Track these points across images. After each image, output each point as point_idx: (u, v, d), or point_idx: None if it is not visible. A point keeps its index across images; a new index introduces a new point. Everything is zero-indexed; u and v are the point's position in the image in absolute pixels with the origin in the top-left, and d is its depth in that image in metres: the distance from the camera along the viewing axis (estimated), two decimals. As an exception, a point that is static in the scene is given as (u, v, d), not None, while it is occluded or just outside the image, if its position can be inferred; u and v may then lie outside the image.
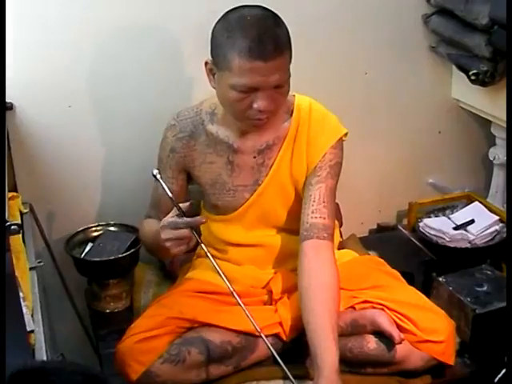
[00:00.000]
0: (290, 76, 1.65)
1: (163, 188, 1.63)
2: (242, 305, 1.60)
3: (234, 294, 1.60)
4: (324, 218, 1.74)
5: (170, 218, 1.63)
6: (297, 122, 1.80)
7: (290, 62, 1.65)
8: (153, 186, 1.92)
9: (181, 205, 1.63)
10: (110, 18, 2.05)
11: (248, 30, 1.57)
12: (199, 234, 1.67)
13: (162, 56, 2.15)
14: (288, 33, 1.64)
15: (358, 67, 2.39)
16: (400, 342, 1.72)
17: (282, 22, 1.64)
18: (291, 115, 1.80)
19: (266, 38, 1.57)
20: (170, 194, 1.62)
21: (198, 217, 1.63)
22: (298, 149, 1.81)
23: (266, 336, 1.70)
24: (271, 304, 1.86)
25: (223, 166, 1.83)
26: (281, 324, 1.78)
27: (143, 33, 2.11)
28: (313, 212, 1.74)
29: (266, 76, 1.58)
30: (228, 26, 1.61)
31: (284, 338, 1.78)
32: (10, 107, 2.02)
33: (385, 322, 1.75)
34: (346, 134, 1.83)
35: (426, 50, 2.45)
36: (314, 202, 1.75)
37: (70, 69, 2.06)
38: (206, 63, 1.68)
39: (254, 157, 1.82)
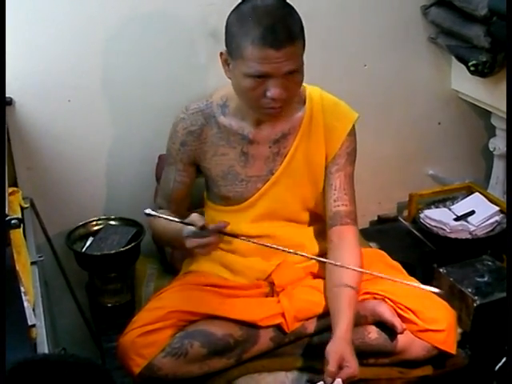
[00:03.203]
0: (302, 65, 1.68)
1: (165, 219, 1.64)
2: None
3: None
4: (346, 205, 1.84)
5: (191, 228, 1.61)
6: (310, 111, 1.82)
7: (303, 50, 1.67)
8: (159, 178, 1.92)
9: (195, 216, 1.62)
10: (109, 12, 2.05)
11: (261, 19, 1.60)
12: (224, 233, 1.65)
13: (162, 51, 2.15)
14: (301, 22, 1.66)
15: (358, 59, 2.39)
16: (402, 332, 1.73)
17: (295, 12, 1.66)
18: (304, 105, 1.83)
19: (279, 27, 1.59)
20: (177, 220, 1.63)
21: (220, 222, 1.63)
22: (314, 137, 1.84)
23: (268, 327, 1.75)
24: (273, 296, 1.86)
25: (236, 157, 1.83)
26: (283, 315, 1.78)
27: (143, 27, 2.10)
28: (335, 201, 1.84)
29: (277, 64, 1.61)
30: (241, 16, 1.63)
31: (286, 329, 1.78)
32: (10, 102, 2.02)
33: (386, 312, 1.76)
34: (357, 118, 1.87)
35: (426, 41, 2.45)
36: (335, 190, 1.84)
37: (69, 63, 2.06)
38: (221, 54, 1.70)
39: (270, 147, 1.83)
